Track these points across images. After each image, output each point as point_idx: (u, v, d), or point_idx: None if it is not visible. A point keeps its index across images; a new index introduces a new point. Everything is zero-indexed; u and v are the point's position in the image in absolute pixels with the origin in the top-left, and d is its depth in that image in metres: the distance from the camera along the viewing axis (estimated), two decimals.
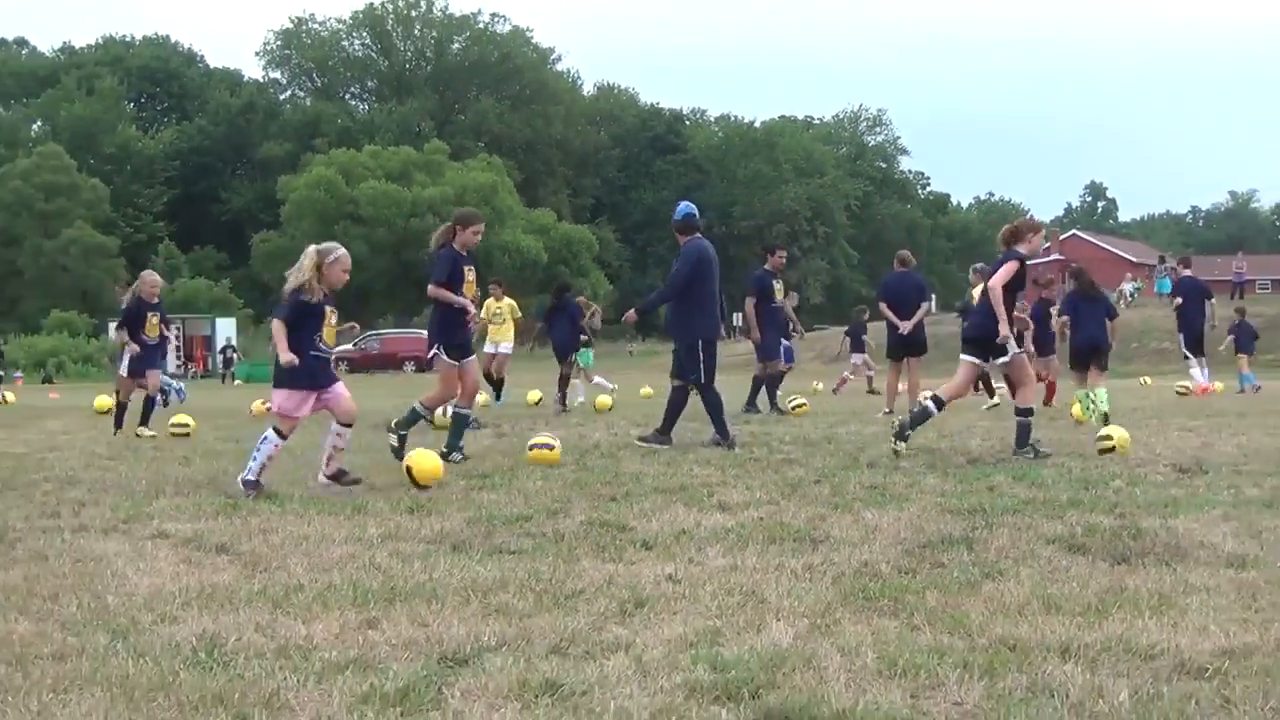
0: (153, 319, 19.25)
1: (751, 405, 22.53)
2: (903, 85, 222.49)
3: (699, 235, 16.08)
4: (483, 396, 22.67)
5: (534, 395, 27.37)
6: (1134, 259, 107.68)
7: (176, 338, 70.35)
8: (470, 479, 11.75)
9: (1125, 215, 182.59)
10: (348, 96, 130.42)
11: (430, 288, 13.99)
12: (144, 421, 18.71)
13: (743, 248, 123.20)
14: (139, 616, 6.05)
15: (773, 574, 6.95)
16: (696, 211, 16.43)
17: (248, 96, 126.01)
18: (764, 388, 22.70)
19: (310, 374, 11.40)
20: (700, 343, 15.60)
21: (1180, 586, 6.55)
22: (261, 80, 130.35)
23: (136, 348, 18.53)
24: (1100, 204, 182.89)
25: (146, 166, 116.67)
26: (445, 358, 13.79)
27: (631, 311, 16.64)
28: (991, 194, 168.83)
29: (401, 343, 74.47)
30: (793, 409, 21.95)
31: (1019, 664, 5.07)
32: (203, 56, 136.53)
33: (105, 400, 21.67)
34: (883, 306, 22.32)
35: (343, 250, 11.60)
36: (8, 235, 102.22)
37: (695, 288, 15.64)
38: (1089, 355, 19.52)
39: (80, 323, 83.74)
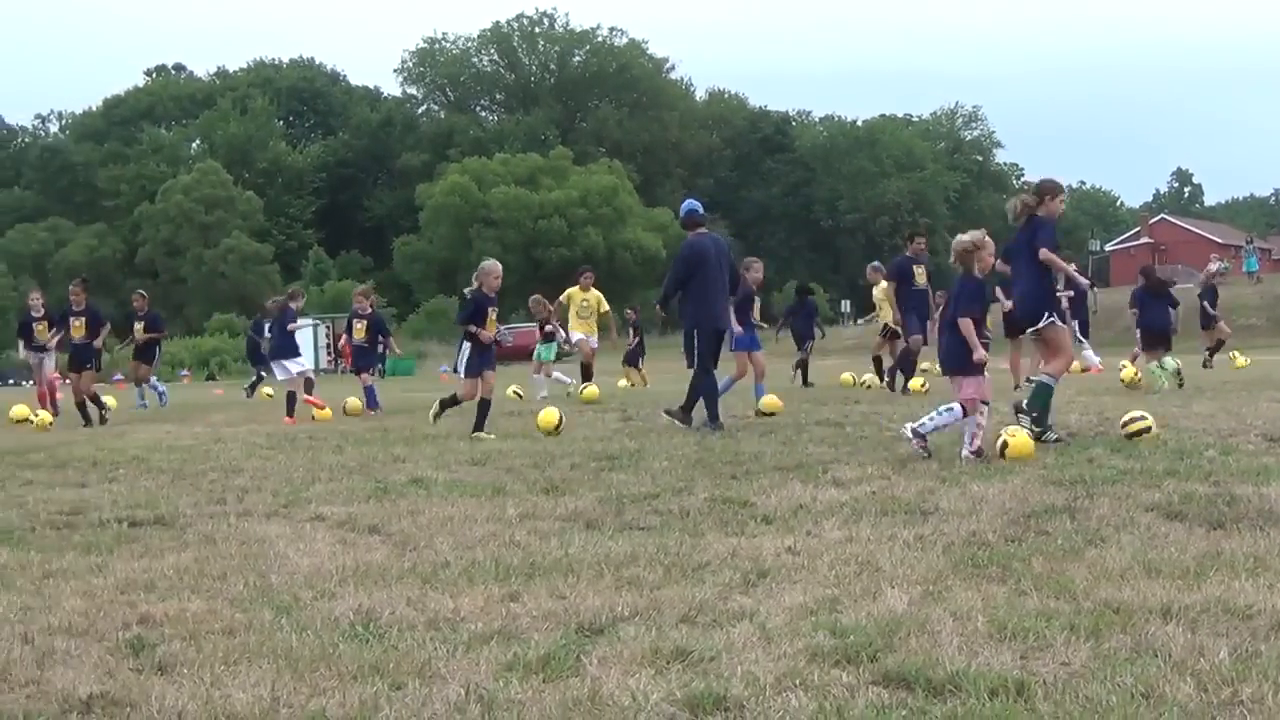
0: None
1: (893, 385, 22.07)
2: (995, 81, 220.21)
3: (701, 231, 15.92)
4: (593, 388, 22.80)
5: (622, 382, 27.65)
6: (1220, 240, 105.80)
7: (327, 335, 71.12)
8: (599, 460, 11.77)
9: (1211, 199, 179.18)
10: (478, 109, 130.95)
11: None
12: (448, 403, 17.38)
13: (848, 239, 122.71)
14: (300, 593, 6.11)
15: (886, 544, 6.90)
16: (699, 208, 16.33)
17: (387, 111, 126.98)
18: (898, 365, 22.18)
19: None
20: (695, 330, 15.58)
21: (1274, 549, 6.43)
22: (399, 96, 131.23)
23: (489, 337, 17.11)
24: (1186, 189, 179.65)
25: (296, 179, 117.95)
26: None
27: (657, 305, 17.03)
28: (1083, 182, 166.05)
29: (532, 335, 74.56)
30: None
31: (1123, 625, 5.01)
32: (345, 76, 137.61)
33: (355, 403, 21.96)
34: (998, 288, 22.15)
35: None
36: (172, 246, 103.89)
37: (693, 281, 15.51)
38: (1155, 338, 21.64)
39: (239, 324, 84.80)
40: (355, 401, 21.86)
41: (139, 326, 27.67)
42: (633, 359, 32.11)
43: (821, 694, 4.26)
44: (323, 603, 5.90)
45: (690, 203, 16.47)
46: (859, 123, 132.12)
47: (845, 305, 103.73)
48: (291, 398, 20.68)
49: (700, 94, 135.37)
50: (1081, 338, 28.00)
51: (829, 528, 7.55)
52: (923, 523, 7.62)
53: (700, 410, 15.38)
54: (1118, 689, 4.21)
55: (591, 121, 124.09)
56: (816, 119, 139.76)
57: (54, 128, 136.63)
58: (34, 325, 23.48)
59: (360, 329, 22.98)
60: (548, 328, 25.28)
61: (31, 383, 26.49)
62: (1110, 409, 15.86)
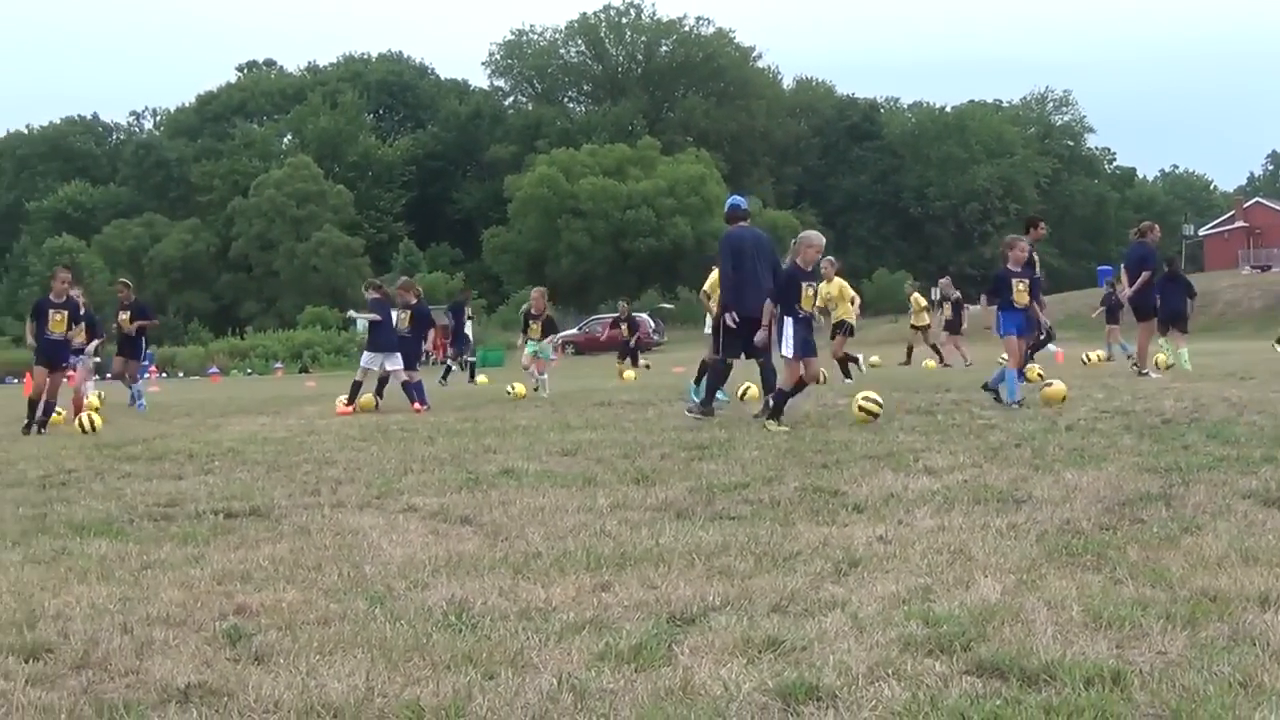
0: None
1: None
2: (1087, 65, 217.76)
3: (742, 224, 16.48)
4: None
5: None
6: None
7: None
8: (689, 450, 11.77)
9: None
10: (566, 100, 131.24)
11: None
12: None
13: (937, 226, 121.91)
14: (394, 584, 6.15)
15: (979, 533, 6.86)
16: (741, 203, 16.94)
17: (475, 104, 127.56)
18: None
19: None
20: (725, 317, 16.00)
21: None
22: (487, 88, 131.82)
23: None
24: None
25: (386, 172, 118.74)
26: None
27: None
28: (1176, 166, 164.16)
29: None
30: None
31: (1220, 614, 4.95)
32: (433, 69, 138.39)
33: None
34: (1123, 275, 22.28)
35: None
36: (265, 239, 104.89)
37: (731, 272, 16.03)
38: (1170, 321, 23.05)
39: (331, 317, 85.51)
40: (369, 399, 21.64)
41: (124, 317, 25.92)
42: (630, 353, 32.62)
43: (915, 684, 4.23)
44: (416, 593, 5.93)
45: (734, 198, 17.16)
46: (948, 109, 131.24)
47: (935, 293, 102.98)
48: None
49: (787, 82, 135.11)
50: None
51: (921, 516, 7.51)
52: (1016, 511, 7.56)
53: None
54: (1215, 678, 4.16)
55: (679, 111, 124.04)
56: (905, 105, 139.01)
57: (148, 124, 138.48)
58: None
59: (405, 320, 22.61)
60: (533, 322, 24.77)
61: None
62: (1205, 395, 15.68)
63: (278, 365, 69.61)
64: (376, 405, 21.21)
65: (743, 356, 16.20)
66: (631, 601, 5.58)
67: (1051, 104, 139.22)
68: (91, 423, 18.10)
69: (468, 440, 13.99)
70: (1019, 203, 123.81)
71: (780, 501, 8.35)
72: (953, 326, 32.41)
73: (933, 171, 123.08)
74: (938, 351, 32.52)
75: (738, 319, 15.80)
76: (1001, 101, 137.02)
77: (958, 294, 33.01)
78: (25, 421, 18.71)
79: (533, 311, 24.86)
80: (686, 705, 4.11)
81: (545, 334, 24.49)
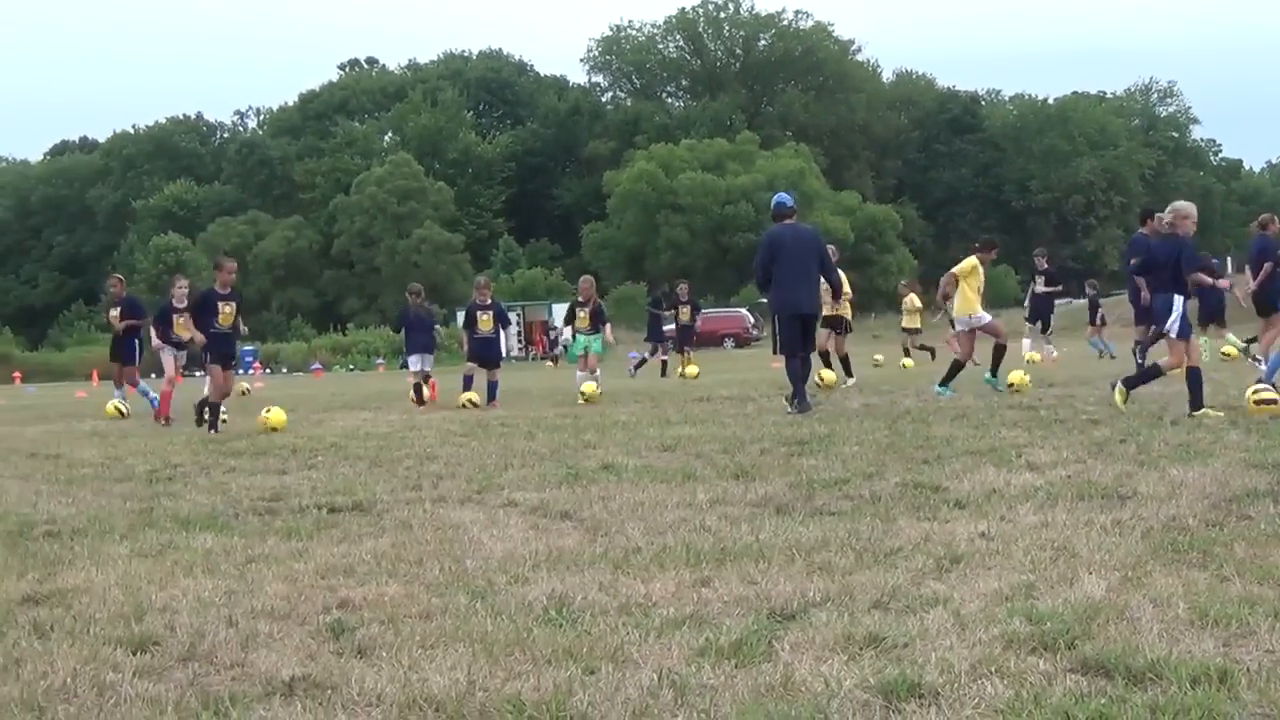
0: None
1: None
2: (1192, 55, 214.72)
3: (786, 222, 16.52)
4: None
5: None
6: None
7: (517, 322, 71.95)
8: (789, 445, 11.73)
9: None
10: (664, 95, 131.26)
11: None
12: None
13: (1039, 219, 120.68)
14: (494, 578, 6.18)
15: (1083, 530, 6.78)
16: (785, 200, 16.92)
17: (574, 100, 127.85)
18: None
19: None
20: (775, 316, 16.45)
21: None
22: (586, 84, 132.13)
23: None
24: None
25: (485, 169, 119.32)
26: None
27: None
28: None
29: (721, 321, 74.79)
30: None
31: None
32: (532, 66, 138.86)
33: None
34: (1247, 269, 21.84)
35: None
36: (366, 236, 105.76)
37: (775, 269, 16.16)
38: (1211, 316, 24.36)
39: (436, 314, 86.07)
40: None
41: (114, 314, 23.73)
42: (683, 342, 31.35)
43: (1018, 681, 4.20)
44: (516, 588, 5.95)
45: (779, 196, 17.16)
46: (1050, 100, 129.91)
47: (1036, 285, 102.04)
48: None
49: (887, 75, 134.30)
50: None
51: (1023, 513, 7.44)
52: (1120, 507, 7.47)
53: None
54: None
55: (778, 105, 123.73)
56: (1006, 98, 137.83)
57: (252, 123, 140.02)
58: (174, 318, 21.52)
59: (486, 320, 21.96)
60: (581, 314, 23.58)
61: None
62: None
63: (379, 361, 70.27)
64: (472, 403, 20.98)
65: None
66: (731, 597, 5.57)
67: (1156, 95, 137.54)
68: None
69: (567, 435, 14.03)
70: (1122, 195, 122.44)
71: (881, 497, 8.30)
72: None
73: (1035, 164, 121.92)
74: (930, 350, 32.51)
75: (789, 316, 16.18)
76: (1105, 93, 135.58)
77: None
78: (203, 420, 17.96)
79: (580, 299, 23.58)
80: (787, 701, 4.10)
81: (595, 324, 23.02)
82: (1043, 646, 4.57)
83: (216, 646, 5.04)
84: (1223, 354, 27.55)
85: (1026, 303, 32.31)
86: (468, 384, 21.61)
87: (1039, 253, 32.15)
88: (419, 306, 22.92)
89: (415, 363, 22.27)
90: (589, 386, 21.13)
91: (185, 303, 21.00)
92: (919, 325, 34.14)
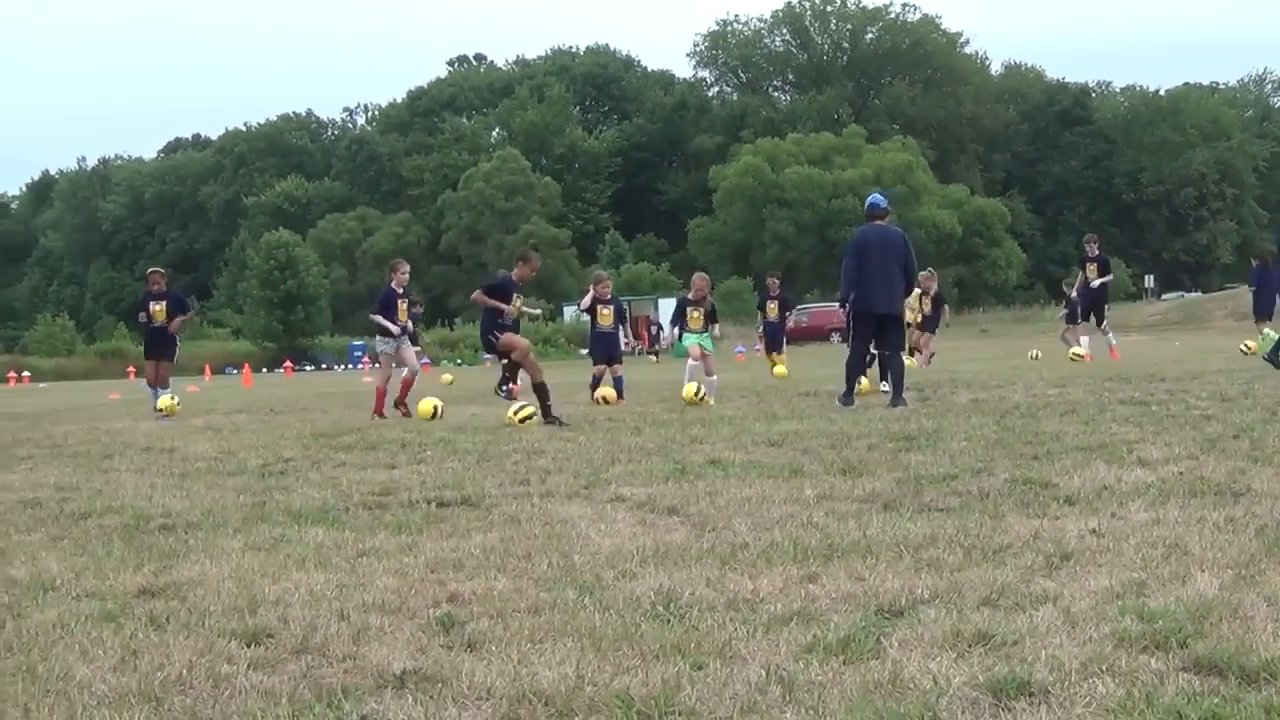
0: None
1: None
2: None
3: (877, 223, 16.84)
4: None
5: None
6: None
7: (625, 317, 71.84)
8: (896, 441, 11.68)
9: None
10: (770, 89, 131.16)
11: None
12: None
13: (1151, 212, 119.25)
14: (602, 573, 6.20)
15: (1195, 527, 6.70)
16: (879, 201, 17.13)
17: (680, 95, 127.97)
18: None
19: None
20: (851, 314, 16.92)
21: None
22: (691, 79, 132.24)
23: None
24: None
25: (592, 164, 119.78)
26: None
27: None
28: None
29: (828, 316, 74.50)
30: None
31: None
32: (639, 60, 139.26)
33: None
34: None
35: None
36: (474, 232, 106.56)
37: (858, 268, 16.61)
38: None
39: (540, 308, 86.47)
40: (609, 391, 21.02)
41: (158, 308, 22.78)
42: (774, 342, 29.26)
43: (1129, 680, 4.16)
44: (624, 583, 5.97)
45: (873, 197, 17.36)
46: (1161, 92, 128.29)
47: (1149, 280, 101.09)
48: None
49: (995, 67, 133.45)
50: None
51: (1134, 509, 7.36)
52: (1234, 504, 7.37)
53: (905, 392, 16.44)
54: None
55: (884, 99, 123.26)
56: (1117, 89, 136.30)
57: (360, 120, 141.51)
58: (398, 302, 20.41)
59: (606, 315, 21.83)
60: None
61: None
62: None
63: (486, 356, 70.54)
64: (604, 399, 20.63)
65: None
66: (839, 593, 5.56)
67: (1270, 85, 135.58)
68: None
69: (674, 431, 14.04)
70: (1236, 187, 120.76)
71: (989, 493, 8.24)
72: (929, 325, 29.01)
73: (1146, 156, 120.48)
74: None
75: (863, 313, 16.69)
76: (1218, 84, 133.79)
77: (937, 289, 29.81)
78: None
79: (692, 297, 21.16)
80: (895, 698, 4.09)
81: (708, 324, 20.88)
82: (1154, 645, 4.52)
83: (329, 639, 5.10)
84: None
85: (1075, 294, 30.34)
86: (596, 382, 21.43)
87: (1090, 239, 30.25)
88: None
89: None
90: (689, 389, 19.02)
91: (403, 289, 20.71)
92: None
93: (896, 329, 16.98)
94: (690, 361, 20.54)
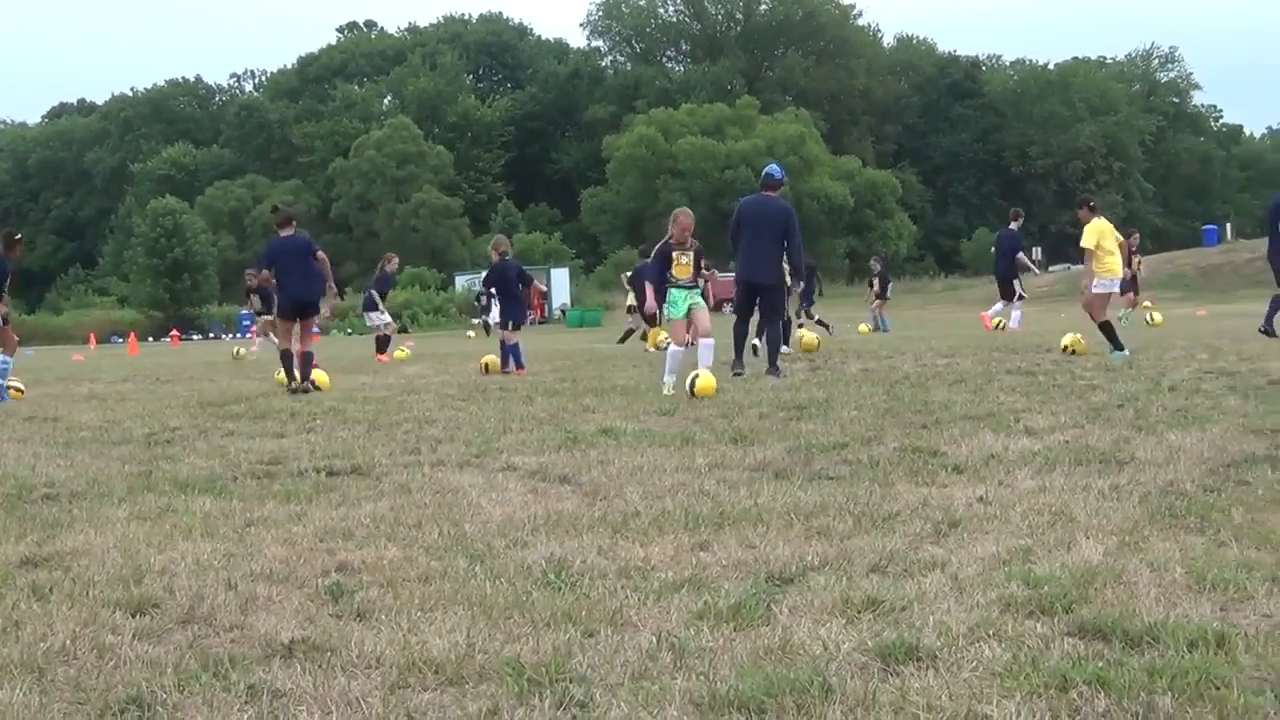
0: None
1: (1269, 325, 20.09)
2: (1193, 20, 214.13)
3: (762, 194, 17.15)
4: None
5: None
6: None
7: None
8: (787, 410, 11.74)
9: None
10: (664, 59, 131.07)
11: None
12: None
13: (1039, 185, 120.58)
14: (493, 542, 6.19)
15: (1080, 494, 6.80)
16: (774, 172, 17.27)
17: (574, 64, 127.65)
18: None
19: None
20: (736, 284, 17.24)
21: None
22: (585, 49, 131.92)
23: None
24: None
25: (485, 133, 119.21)
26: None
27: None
28: None
29: (720, 287, 74.55)
30: None
31: None
32: (532, 29, 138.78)
33: None
34: None
35: None
36: (365, 200, 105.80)
37: (735, 240, 17.06)
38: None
39: (430, 277, 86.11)
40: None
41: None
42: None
43: (1016, 645, 4.21)
44: (515, 551, 5.97)
45: (769, 167, 17.50)
46: (1051, 66, 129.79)
47: (1036, 252, 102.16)
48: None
49: (888, 40, 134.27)
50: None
51: (1021, 477, 7.46)
52: (1118, 472, 7.48)
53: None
54: None
55: (778, 70, 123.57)
56: (1007, 63, 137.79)
57: (249, 86, 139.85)
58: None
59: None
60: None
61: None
62: None
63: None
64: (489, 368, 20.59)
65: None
66: (730, 561, 5.59)
67: (1157, 60, 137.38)
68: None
69: (566, 400, 14.04)
70: (1122, 161, 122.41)
71: (879, 462, 8.32)
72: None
73: (1034, 129, 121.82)
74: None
75: (742, 283, 17.05)
76: (1106, 58, 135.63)
77: (880, 267, 34.82)
78: None
79: (674, 239, 15.70)
80: (785, 664, 4.11)
81: (698, 273, 15.63)
82: (1040, 610, 4.58)
83: (215, 609, 5.05)
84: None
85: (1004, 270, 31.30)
86: (508, 353, 20.58)
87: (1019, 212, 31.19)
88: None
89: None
90: (705, 380, 13.96)
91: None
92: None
93: (776, 299, 17.13)
94: (672, 347, 15.43)
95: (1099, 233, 17.96)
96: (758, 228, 16.40)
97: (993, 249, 33.37)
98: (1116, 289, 18.40)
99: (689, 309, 15.19)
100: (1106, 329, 17.80)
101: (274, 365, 19.80)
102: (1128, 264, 29.66)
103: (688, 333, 15.41)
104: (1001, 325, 28.64)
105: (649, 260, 17.44)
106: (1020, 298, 29.08)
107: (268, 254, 18.46)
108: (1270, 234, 20.52)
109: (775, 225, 16.69)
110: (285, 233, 18.16)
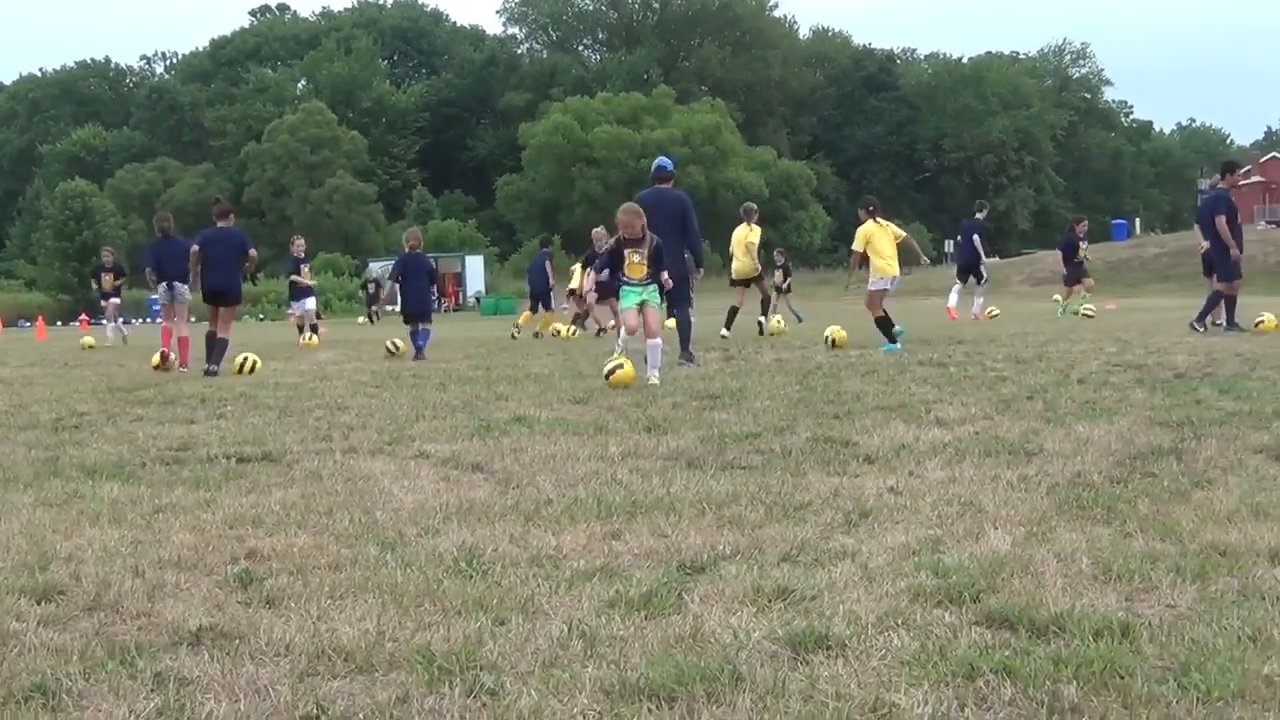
0: None
1: (1201, 322, 20.81)
2: (1105, 16, 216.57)
3: (658, 186, 17.40)
4: None
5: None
6: None
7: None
8: (701, 400, 11.77)
9: None
10: (581, 48, 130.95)
11: None
12: None
13: (952, 178, 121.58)
14: (405, 530, 6.17)
15: (989, 485, 6.86)
16: (665, 164, 17.85)
17: (490, 51, 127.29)
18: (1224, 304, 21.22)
19: None
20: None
21: None
22: (502, 35, 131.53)
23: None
24: None
25: (400, 119, 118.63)
26: None
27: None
28: (1192, 120, 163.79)
29: None
30: (1256, 326, 20.59)
31: (1229, 568, 4.95)
32: (448, 15, 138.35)
33: None
34: (1196, 228, 22.13)
35: None
36: (278, 185, 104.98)
37: None
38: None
39: (343, 263, 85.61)
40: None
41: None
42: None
43: (924, 634, 4.24)
44: (427, 539, 5.95)
45: (659, 159, 18.04)
46: (964, 60, 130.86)
47: (948, 245, 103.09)
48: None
49: (804, 32, 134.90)
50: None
51: (932, 468, 7.52)
52: (1027, 463, 7.56)
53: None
54: (1224, 631, 4.16)
55: (694, 60, 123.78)
56: (921, 56, 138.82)
57: (160, 69, 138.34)
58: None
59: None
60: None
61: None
62: (1218, 350, 15.66)
63: (290, 311, 69.70)
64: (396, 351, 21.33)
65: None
66: (642, 549, 5.60)
67: (1069, 56, 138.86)
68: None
69: (480, 388, 14.00)
70: (1034, 155, 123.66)
71: (791, 451, 8.35)
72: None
73: (948, 123, 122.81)
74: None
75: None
76: (1019, 53, 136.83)
77: (785, 261, 35.03)
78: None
79: (627, 236, 14.85)
80: (696, 652, 4.12)
81: (655, 267, 14.68)
82: (948, 599, 4.62)
83: (123, 596, 5.00)
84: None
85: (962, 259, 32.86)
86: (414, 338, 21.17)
87: (984, 204, 33.31)
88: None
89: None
90: (627, 371, 13.97)
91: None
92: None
93: (684, 287, 17.18)
94: (624, 334, 15.64)
95: (868, 235, 19.28)
96: (658, 219, 16.42)
97: (958, 238, 34.51)
98: (888, 286, 19.28)
99: (641, 303, 14.62)
100: (881, 323, 19.01)
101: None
102: (1073, 255, 30.40)
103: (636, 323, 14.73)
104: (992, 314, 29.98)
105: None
106: (979, 281, 31.04)
107: (201, 239, 19.23)
108: (1207, 231, 21.11)
109: (675, 215, 16.91)
110: (222, 224, 19.19)
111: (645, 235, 14.75)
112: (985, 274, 31.11)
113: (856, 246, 19.35)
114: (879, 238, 19.25)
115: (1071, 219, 33.91)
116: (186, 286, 19.92)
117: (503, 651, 4.19)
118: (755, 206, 26.65)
